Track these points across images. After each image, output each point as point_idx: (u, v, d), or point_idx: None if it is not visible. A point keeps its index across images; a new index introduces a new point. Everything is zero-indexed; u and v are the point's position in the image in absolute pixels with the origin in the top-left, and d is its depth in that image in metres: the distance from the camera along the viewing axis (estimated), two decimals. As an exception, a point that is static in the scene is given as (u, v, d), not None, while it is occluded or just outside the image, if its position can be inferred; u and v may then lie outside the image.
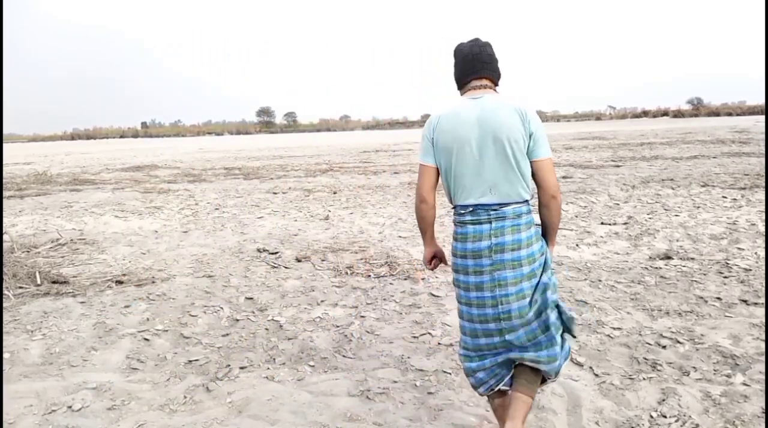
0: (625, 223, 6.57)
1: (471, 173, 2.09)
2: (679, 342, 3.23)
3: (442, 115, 2.15)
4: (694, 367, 2.90)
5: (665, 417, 2.45)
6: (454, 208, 2.20)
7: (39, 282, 4.68)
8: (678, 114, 68.26)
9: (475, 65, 2.19)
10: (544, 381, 2.23)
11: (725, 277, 4.39)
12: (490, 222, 2.09)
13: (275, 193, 10.48)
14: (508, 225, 2.08)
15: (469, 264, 2.13)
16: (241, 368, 3.11)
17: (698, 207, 7.39)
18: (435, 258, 2.35)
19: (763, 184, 8.95)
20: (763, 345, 3.12)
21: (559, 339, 2.14)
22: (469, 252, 2.12)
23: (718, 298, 3.91)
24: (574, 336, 2.33)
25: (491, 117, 2.07)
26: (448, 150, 2.10)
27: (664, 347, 3.16)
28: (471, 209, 2.11)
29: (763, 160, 12.62)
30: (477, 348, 2.20)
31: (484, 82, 2.19)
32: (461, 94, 2.23)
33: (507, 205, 2.09)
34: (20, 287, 4.57)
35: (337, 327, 3.68)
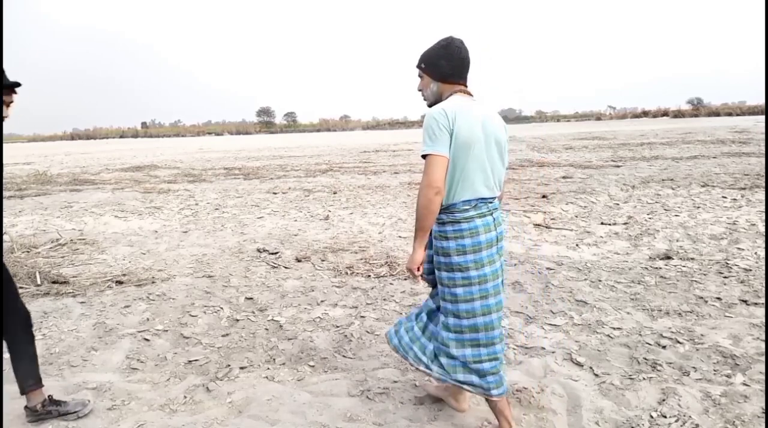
0: (625, 223, 6.57)
1: (479, 169, 2.18)
2: (679, 342, 3.23)
3: (456, 109, 2.14)
4: (694, 367, 2.90)
5: (665, 417, 2.45)
6: (451, 205, 2.20)
7: (39, 282, 4.68)
8: (678, 114, 68.22)
9: (466, 70, 2.29)
10: None
11: (725, 277, 4.39)
12: (492, 214, 2.25)
13: (275, 193, 10.47)
14: (499, 216, 2.32)
15: (484, 257, 2.22)
16: (241, 368, 3.11)
17: (698, 207, 7.39)
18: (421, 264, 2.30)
19: (763, 184, 8.95)
20: (763, 345, 3.12)
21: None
22: (484, 245, 2.21)
23: (718, 298, 3.92)
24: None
25: (492, 120, 2.23)
26: (467, 145, 2.13)
27: (664, 347, 3.16)
28: (474, 204, 2.20)
29: (763, 160, 12.62)
30: (491, 342, 2.27)
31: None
32: (441, 91, 2.27)
33: (494, 198, 2.29)
34: (20, 287, 4.57)
35: (337, 327, 3.68)
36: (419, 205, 2.14)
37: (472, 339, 2.26)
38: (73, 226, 7.64)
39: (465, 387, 2.31)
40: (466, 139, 2.12)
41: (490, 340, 2.26)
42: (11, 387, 2.91)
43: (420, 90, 2.34)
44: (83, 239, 6.71)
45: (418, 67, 2.31)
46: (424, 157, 2.14)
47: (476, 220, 2.19)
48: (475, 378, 2.29)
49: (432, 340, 2.41)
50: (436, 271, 2.31)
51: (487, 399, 2.34)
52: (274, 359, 3.23)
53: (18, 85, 2.41)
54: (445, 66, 2.23)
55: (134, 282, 4.72)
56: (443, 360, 2.33)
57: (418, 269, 2.26)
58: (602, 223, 6.64)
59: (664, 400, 2.58)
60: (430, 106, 2.31)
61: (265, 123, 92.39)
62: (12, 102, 2.44)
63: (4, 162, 24.22)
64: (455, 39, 2.25)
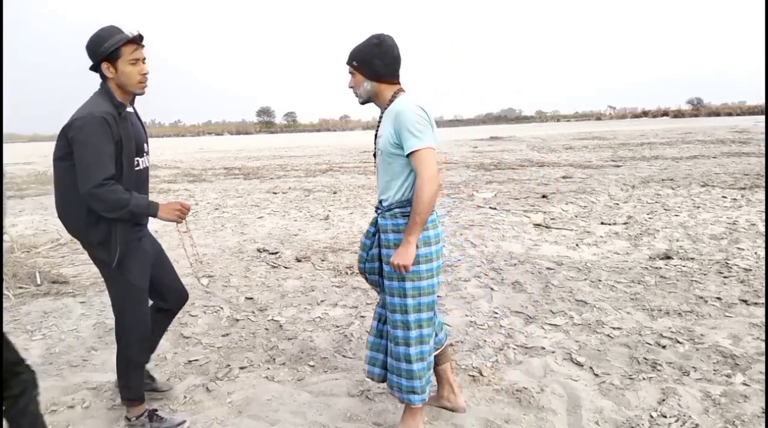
0: (625, 223, 6.57)
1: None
2: (679, 342, 3.23)
3: (427, 108, 2.19)
4: (694, 367, 2.90)
5: (665, 417, 2.45)
6: None
7: (39, 282, 4.68)
8: (678, 114, 68.23)
9: (399, 68, 2.26)
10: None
11: (725, 277, 4.38)
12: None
13: (275, 193, 10.47)
14: None
15: (441, 248, 2.29)
16: (241, 368, 3.11)
17: (698, 207, 7.39)
18: None
19: (763, 184, 8.95)
20: (763, 345, 3.12)
21: None
22: (441, 236, 2.29)
23: (718, 298, 3.91)
24: None
25: None
26: (435, 142, 2.20)
27: (664, 347, 3.16)
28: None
29: (763, 160, 12.62)
30: (428, 339, 2.31)
31: None
32: (377, 91, 2.25)
33: None
34: (20, 287, 4.57)
35: (337, 327, 3.68)
36: (425, 199, 2.08)
37: (429, 335, 2.30)
38: (73, 226, 7.63)
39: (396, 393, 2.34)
40: (435, 136, 2.20)
41: (431, 336, 2.31)
42: (11, 387, 2.91)
43: (352, 87, 2.30)
44: (83, 239, 6.70)
45: (349, 64, 2.26)
46: (409, 154, 2.10)
47: (434, 213, 2.26)
48: (404, 381, 2.30)
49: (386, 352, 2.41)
50: (413, 266, 2.19)
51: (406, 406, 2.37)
52: (274, 359, 3.23)
53: (141, 37, 2.21)
54: (380, 65, 2.20)
55: (134, 282, 4.72)
56: (404, 365, 2.29)
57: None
58: (602, 223, 6.63)
59: (664, 400, 2.58)
60: (363, 103, 2.30)
61: (265, 123, 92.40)
62: (143, 58, 2.22)
63: (4, 162, 24.20)
64: (387, 36, 2.22)
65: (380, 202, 2.30)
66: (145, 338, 2.43)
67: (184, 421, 2.51)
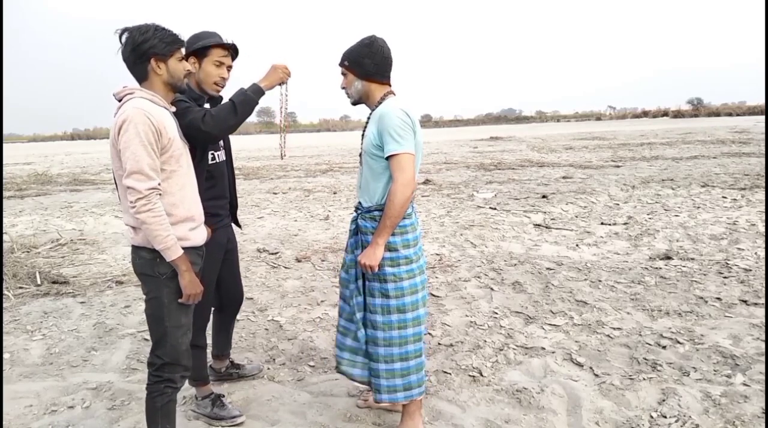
0: (625, 223, 6.57)
1: (417, 170, 2.28)
2: (679, 342, 3.23)
3: (412, 112, 2.22)
4: (694, 367, 2.90)
5: (665, 417, 2.45)
6: None
7: (39, 282, 4.68)
8: (678, 114, 68.19)
9: (389, 69, 2.31)
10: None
11: (725, 277, 4.38)
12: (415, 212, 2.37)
13: (275, 193, 10.47)
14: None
15: (419, 250, 2.33)
16: (241, 368, 3.11)
17: (698, 207, 7.39)
18: None
19: (763, 184, 8.95)
20: (763, 345, 3.12)
21: None
22: (419, 238, 2.35)
23: (718, 298, 3.91)
24: None
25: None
26: (419, 146, 2.24)
27: (664, 347, 3.16)
28: (411, 202, 2.29)
29: (763, 160, 12.62)
30: (420, 337, 2.34)
31: None
32: (367, 90, 2.30)
33: None
34: (20, 287, 4.57)
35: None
36: (397, 203, 2.13)
37: (414, 335, 2.30)
38: (73, 226, 7.64)
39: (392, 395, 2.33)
40: (419, 141, 2.23)
41: (420, 335, 2.33)
42: (11, 386, 2.91)
43: (344, 88, 2.37)
44: (83, 239, 6.71)
45: (341, 64, 2.32)
46: (388, 157, 2.14)
47: (413, 216, 2.30)
48: (383, 381, 2.31)
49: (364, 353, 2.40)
50: (394, 268, 2.24)
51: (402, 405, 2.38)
52: (274, 359, 3.23)
53: (234, 46, 2.40)
54: (370, 64, 2.25)
55: (134, 282, 4.72)
56: (382, 366, 2.30)
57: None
58: (602, 223, 6.64)
59: (664, 400, 2.58)
60: (354, 103, 2.37)
61: (265, 123, 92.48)
62: (228, 65, 2.41)
63: (4, 162, 24.23)
64: (378, 38, 2.29)
65: (360, 203, 2.33)
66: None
67: (240, 415, 2.56)
